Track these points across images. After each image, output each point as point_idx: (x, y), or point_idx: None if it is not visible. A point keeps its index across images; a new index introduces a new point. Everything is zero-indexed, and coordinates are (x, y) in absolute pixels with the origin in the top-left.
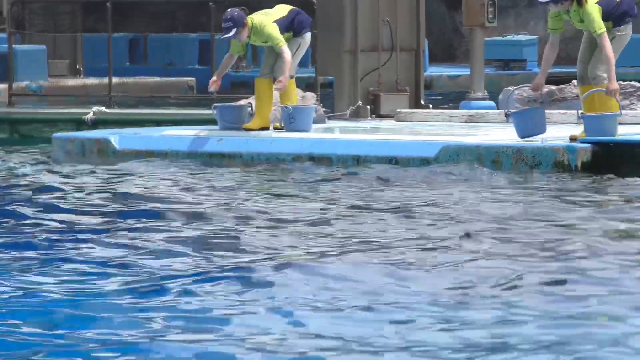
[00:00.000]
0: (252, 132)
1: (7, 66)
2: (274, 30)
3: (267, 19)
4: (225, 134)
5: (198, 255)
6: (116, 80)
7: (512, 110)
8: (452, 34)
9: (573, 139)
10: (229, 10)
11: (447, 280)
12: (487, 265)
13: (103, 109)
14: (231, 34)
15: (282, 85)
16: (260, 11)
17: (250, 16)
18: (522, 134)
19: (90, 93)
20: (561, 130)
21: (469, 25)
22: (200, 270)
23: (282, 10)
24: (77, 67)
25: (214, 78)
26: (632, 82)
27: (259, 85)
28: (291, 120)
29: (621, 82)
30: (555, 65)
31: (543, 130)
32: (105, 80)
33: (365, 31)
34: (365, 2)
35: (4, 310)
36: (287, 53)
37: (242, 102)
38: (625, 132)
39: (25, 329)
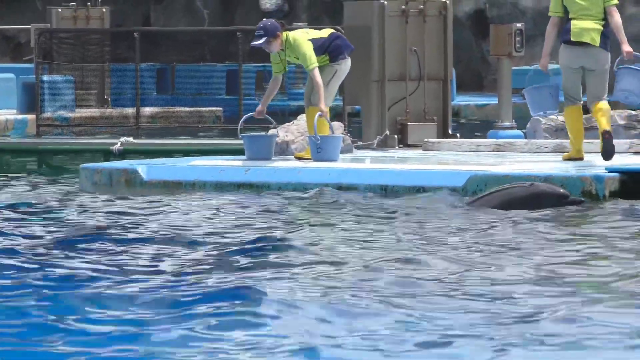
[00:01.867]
0: (281, 162)
1: (35, 97)
2: (308, 49)
3: (303, 36)
4: (253, 164)
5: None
6: (144, 110)
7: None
8: (479, 63)
9: None
10: (264, 19)
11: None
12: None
13: (130, 139)
14: (261, 41)
15: (324, 113)
16: (301, 29)
17: (287, 31)
18: (535, 111)
19: (117, 123)
20: (591, 161)
21: (496, 55)
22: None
23: (324, 32)
24: (105, 97)
25: (259, 107)
26: None
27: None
28: (319, 150)
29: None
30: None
31: (555, 108)
32: (132, 110)
33: (393, 60)
34: (393, 31)
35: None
36: (317, 76)
37: (271, 131)
38: None
39: None
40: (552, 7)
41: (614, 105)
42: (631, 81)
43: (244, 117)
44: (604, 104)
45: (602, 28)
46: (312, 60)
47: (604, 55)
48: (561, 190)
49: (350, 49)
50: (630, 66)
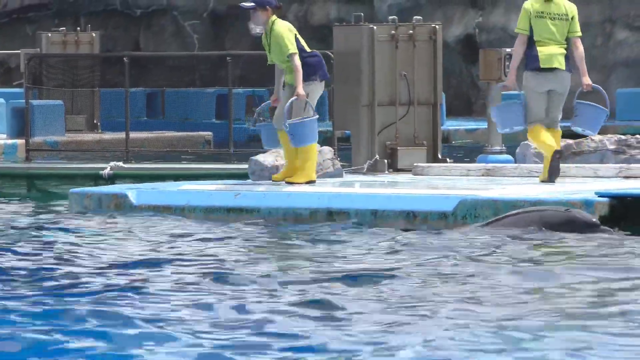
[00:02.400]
0: (272, 186)
1: (25, 121)
2: (289, 37)
3: (287, 27)
4: (242, 189)
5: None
6: (133, 135)
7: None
8: (469, 88)
9: None
10: None
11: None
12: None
13: (120, 163)
14: (248, 4)
15: (301, 97)
16: (289, 26)
17: (276, 17)
18: (503, 127)
19: (107, 148)
20: (578, 185)
21: (485, 79)
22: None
23: (307, 45)
24: (95, 121)
25: (274, 97)
26: None
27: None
28: (292, 137)
29: (638, 136)
30: (571, 119)
31: (522, 124)
32: (122, 135)
33: (382, 85)
34: (382, 56)
35: None
36: (297, 60)
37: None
38: None
39: None
40: (521, 25)
41: (603, 130)
42: (588, 116)
43: (262, 105)
44: (558, 126)
45: (565, 52)
46: (290, 47)
47: (568, 77)
48: (593, 220)
49: (325, 77)
50: (587, 102)
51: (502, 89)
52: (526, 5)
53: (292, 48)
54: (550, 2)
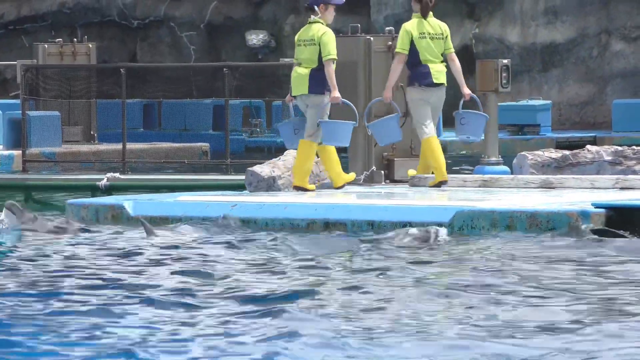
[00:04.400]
0: (267, 197)
1: (21, 132)
2: (333, 41)
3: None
4: (239, 200)
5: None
6: (130, 146)
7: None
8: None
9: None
10: None
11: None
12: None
13: (117, 175)
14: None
15: (336, 100)
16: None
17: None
18: (383, 142)
19: (104, 159)
20: (576, 195)
21: (482, 90)
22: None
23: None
24: (91, 133)
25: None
26: None
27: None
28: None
29: (634, 147)
30: (568, 130)
31: (400, 137)
32: (119, 146)
33: (379, 96)
34: (379, 67)
35: None
36: (332, 67)
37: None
38: (639, 196)
39: None
40: (403, 45)
41: (599, 141)
42: (473, 124)
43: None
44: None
45: (446, 69)
46: (333, 52)
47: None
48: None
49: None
50: (470, 111)
51: (386, 102)
52: (407, 26)
53: (334, 55)
54: (428, 23)
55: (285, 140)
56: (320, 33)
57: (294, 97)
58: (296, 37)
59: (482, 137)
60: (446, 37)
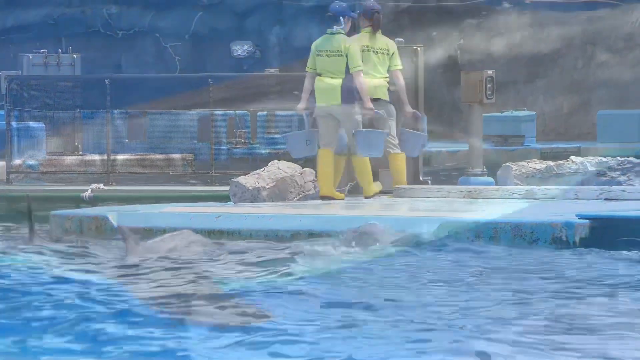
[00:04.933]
0: (251, 209)
1: (5, 143)
2: (359, 53)
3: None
4: (223, 211)
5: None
6: (115, 157)
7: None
8: (450, 110)
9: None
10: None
11: None
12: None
13: (101, 186)
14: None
15: (371, 111)
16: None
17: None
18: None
19: (88, 170)
20: (561, 207)
21: (467, 101)
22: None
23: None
24: (76, 143)
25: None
26: (630, 158)
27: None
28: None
29: (619, 158)
30: (553, 141)
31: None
32: (103, 157)
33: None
34: None
35: None
36: (361, 76)
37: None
38: (623, 207)
39: None
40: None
41: (584, 151)
42: (411, 142)
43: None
44: None
45: (387, 84)
46: (360, 63)
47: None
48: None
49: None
50: (409, 130)
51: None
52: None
53: (361, 65)
54: (374, 38)
55: (292, 150)
56: (347, 44)
57: (316, 106)
58: (314, 47)
59: (417, 155)
60: (392, 54)
